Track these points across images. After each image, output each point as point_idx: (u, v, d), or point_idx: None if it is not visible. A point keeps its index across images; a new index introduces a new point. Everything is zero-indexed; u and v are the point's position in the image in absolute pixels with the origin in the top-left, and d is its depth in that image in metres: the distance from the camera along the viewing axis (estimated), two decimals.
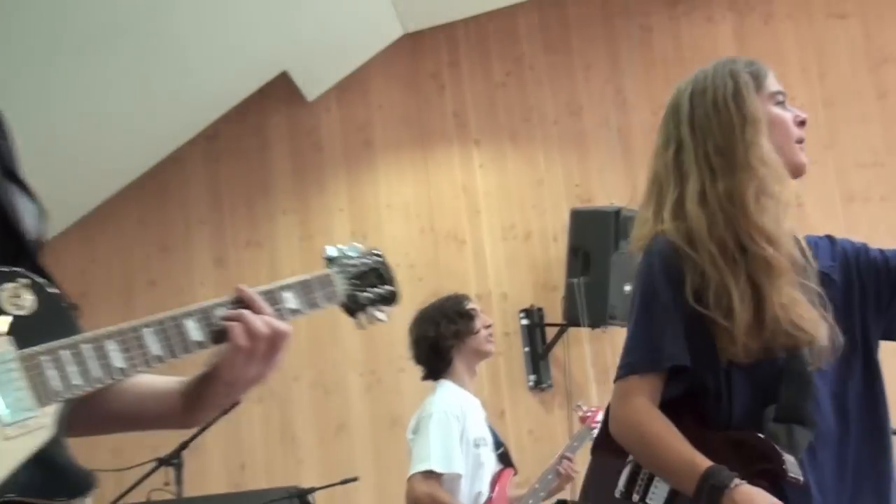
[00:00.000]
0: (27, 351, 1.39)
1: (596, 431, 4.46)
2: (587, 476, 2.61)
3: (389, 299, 1.91)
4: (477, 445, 4.47)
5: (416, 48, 7.37)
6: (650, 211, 2.44)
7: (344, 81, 7.31)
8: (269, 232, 7.18)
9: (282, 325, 1.68)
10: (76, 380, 1.44)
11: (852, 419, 2.35)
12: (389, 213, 7.20)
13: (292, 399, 6.90)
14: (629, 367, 2.34)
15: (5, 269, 1.43)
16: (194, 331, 1.61)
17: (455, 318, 4.55)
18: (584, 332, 6.80)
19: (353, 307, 1.86)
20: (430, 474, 4.26)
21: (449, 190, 7.24)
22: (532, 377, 6.84)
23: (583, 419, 4.98)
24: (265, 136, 7.30)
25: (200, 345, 1.62)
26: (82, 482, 1.42)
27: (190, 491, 6.04)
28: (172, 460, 4.85)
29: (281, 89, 7.18)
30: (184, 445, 4.83)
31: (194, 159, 7.21)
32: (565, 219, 6.81)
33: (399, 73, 7.36)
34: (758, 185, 2.29)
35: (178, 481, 4.90)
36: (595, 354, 6.87)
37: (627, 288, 6.47)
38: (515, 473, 4.63)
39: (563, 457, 4.67)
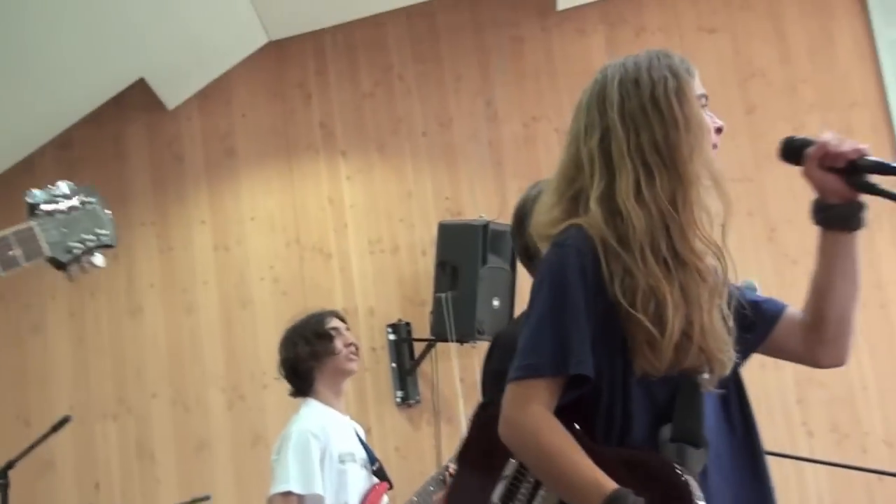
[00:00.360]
0: None
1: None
2: (456, 477, 2.69)
3: (106, 244, 1.86)
4: (342, 461, 4.67)
5: (281, 56, 7.52)
6: (564, 198, 2.41)
7: (206, 89, 7.42)
8: (127, 244, 7.09)
9: None
10: None
11: (733, 442, 2.42)
12: (253, 226, 7.33)
13: (150, 416, 7.00)
14: (531, 368, 2.28)
15: None
16: None
17: (312, 340, 4.79)
18: (452, 347, 6.97)
19: (62, 260, 1.84)
20: (288, 495, 4.51)
21: (315, 202, 7.40)
22: (399, 393, 7.06)
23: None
24: (122, 144, 7.36)
25: None
26: None
27: None
28: None
29: (139, 96, 7.26)
30: (10, 465, 5.02)
31: (45, 167, 7.20)
32: (434, 232, 7.03)
33: (264, 82, 7.51)
34: (697, 198, 2.31)
35: (5, 502, 5.01)
36: (463, 369, 7.07)
37: (496, 302, 6.84)
38: (391, 488, 4.85)
39: (447, 467, 4.88)
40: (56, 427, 5.32)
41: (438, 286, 6.93)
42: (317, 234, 7.39)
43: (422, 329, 7.12)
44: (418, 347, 7.15)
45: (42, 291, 7.06)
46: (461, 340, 6.91)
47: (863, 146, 2.33)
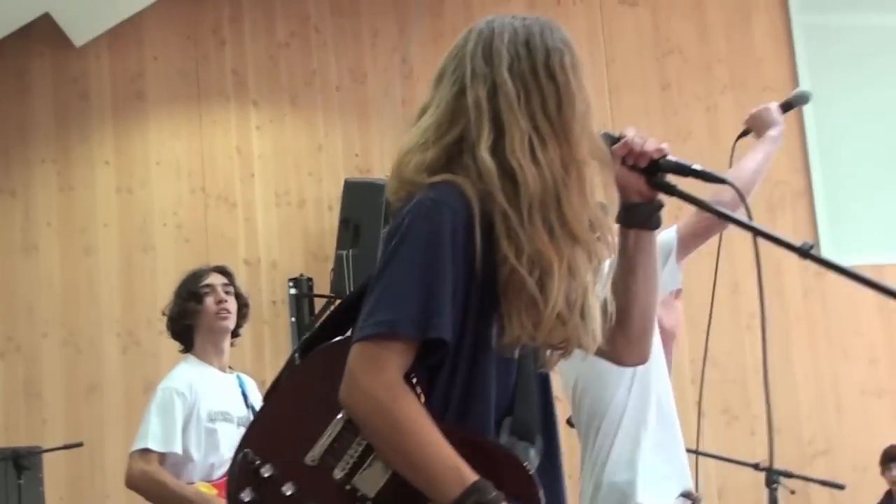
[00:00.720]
0: None
1: None
2: (265, 415, 2.45)
3: None
4: (212, 420, 4.69)
5: (196, 0, 7.53)
6: (442, 141, 2.25)
7: (117, 28, 7.37)
8: (25, 180, 7.21)
9: None
10: None
11: (552, 428, 2.41)
12: (159, 170, 7.35)
13: (40, 356, 7.01)
14: (389, 325, 2.10)
15: None
16: None
17: (186, 298, 4.82)
18: None
19: None
20: (146, 452, 4.53)
21: (223, 150, 7.45)
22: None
23: None
24: (26, 79, 7.32)
25: None
26: None
27: None
28: None
29: (45, 32, 7.23)
30: None
31: None
32: (340, 189, 7.11)
33: (178, 26, 7.48)
34: (590, 172, 2.25)
35: None
36: None
37: None
38: None
39: None
40: None
41: (340, 243, 7.06)
42: (223, 182, 7.44)
43: (323, 285, 7.23)
44: (319, 303, 7.26)
45: None
46: None
47: (664, 145, 2.30)
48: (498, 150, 2.17)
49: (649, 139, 2.30)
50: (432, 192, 2.16)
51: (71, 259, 7.26)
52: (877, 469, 7.07)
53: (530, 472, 2.16)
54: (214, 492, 4.58)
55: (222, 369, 4.83)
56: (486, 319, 2.15)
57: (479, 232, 2.12)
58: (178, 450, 4.53)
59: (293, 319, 7.30)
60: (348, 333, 2.25)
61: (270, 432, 2.31)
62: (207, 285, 4.81)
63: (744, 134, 3.81)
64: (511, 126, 2.18)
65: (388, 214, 2.68)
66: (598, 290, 2.27)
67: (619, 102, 7.78)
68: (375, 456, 2.18)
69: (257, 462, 2.24)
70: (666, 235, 3.64)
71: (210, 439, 4.63)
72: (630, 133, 2.31)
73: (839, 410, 7.78)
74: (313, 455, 2.20)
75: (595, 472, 3.60)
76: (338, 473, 2.18)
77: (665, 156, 2.29)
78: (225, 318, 4.78)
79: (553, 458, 2.33)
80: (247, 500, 2.24)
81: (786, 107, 3.84)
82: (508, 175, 2.15)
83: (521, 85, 2.20)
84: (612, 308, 2.37)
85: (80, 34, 7.28)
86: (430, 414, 2.12)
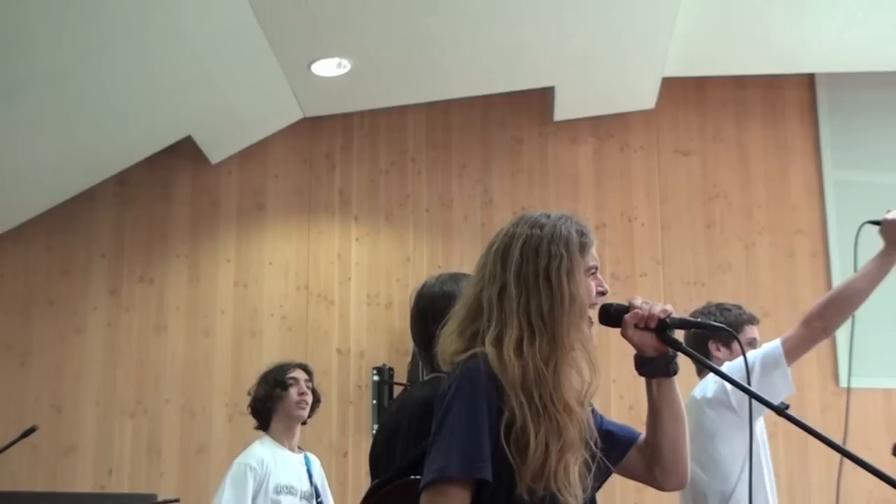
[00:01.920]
0: None
1: None
2: None
3: None
4: (278, 493, 5.00)
5: (314, 130, 8.10)
6: (466, 333, 2.50)
7: (247, 150, 7.99)
8: (162, 271, 7.75)
9: None
10: None
11: None
12: (271, 270, 7.86)
13: (162, 418, 7.49)
14: (441, 469, 2.30)
15: None
16: None
17: (272, 385, 5.20)
18: None
19: None
20: None
21: (326, 256, 7.93)
22: (376, 426, 7.39)
23: None
24: (170, 188, 7.90)
25: None
26: None
27: (61, 488, 7.08)
28: None
29: (188, 151, 7.82)
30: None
31: (104, 199, 7.79)
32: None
33: (297, 150, 8.08)
34: (570, 362, 2.43)
35: None
36: None
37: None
38: None
39: None
40: (24, 435, 5.44)
41: None
42: (324, 283, 7.91)
43: (401, 374, 7.61)
44: (397, 389, 7.58)
45: (87, 301, 7.66)
46: None
47: (668, 307, 2.49)
48: (498, 341, 2.41)
49: (655, 304, 2.49)
50: (470, 362, 2.40)
51: (193, 339, 7.70)
52: None
53: None
54: None
55: (292, 449, 5.19)
56: (508, 462, 2.33)
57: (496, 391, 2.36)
58: None
59: (374, 401, 7.63)
60: (393, 484, 2.61)
61: None
62: (293, 378, 5.23)
63: (873, 223, 3.80)
64: (508, 324, 2.41)
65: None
66: (581, 453, 2.39)
67: (669, 237, 8.21)
68: None
69: None
70: (770, 347, 3.89)
71: None
72: (637, 301, 2.51)
73: None
74: None
75: None
76: None
77: (669, 315, 2.48)
78: (303, 409, 5.21)
79: None
80: None
81: None
82: (502, 362, 2.37)
83: (524, 288, 2.42)
84: (617, 450, 2.59)
85: (215, 154, 7.91)
86: None
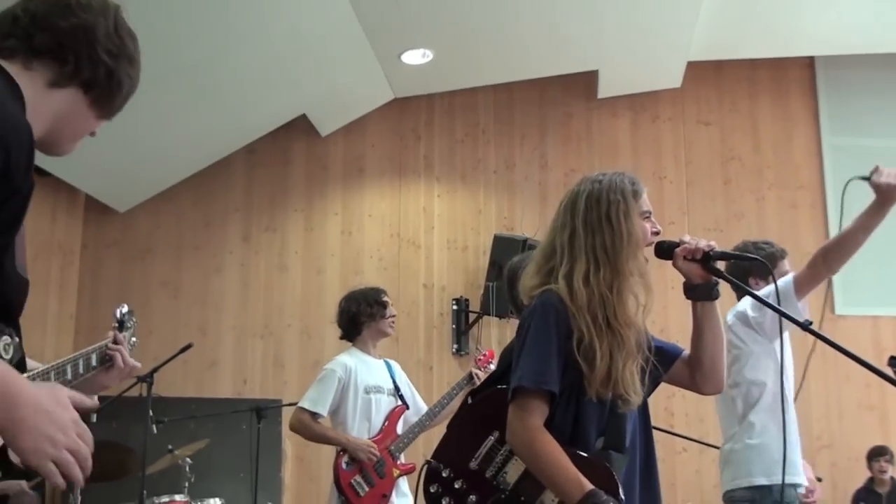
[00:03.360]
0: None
1: (477, 371, 5.20)
2: (446, 437, 2.70)
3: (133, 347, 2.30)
4: (367, 392, 4.94)
5: (403, 108, 8.33)
6: (542, 271, 2.56)
7: (349, 125, 8.25)
8: (283, 222, 8.02)
9: (134, 362, 2.18)
10: None
11: (637, 446, 2.57)
12: (370, 221, 8.12)
13: (284, 338, 7.80)
14: (518, 379, 2.38)
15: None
16: (94, 359, 2.10)
17: (372, 304, 5.06)
18: (493, 319, 7.80)
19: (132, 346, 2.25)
20: (302, 410, 4.90)
21: (414, 210, 8.19)
22: (455, 346, 7.87)
23: (477, 360, 5.44)
24: (289, 155, 8.18)
25: (95, 368, 2.08)
26: None
27: (206, 394, 7.32)
28: (146, 379, 5.33)
29: (303, 125, 8.08)
30: (155, 370, 5.40)
31: (237, 165, 8.09)
32: (491, 240, 7.79)
33: (389, 125, 8.30)
34: (629, 286, 2.47)
35: (149, 393, 5.32)
36: (499, 335, 7.83)
37: None
38: (407, 408, 5.11)
39: (470, 373, 5.18)
40: (182, 350, 5.45)
41: (489, 277, 7.70)
42: (412, 231, 8.17)
43: (475, 304, 7.93)
44: (471, 316, 7.93)
45: (224, 246, 8.00)
46: (499, 316, 7.68)
47: (713, 242, 2.54)
48: (569, 275, 2.48)
49: (700, 240, 2.53)
50: (542, 297, 2.51)
51: (308, 276, 7.96)
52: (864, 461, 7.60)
53: (613, 473, 2.42)
54: (374, 445, 4.85)
55: (376, 357, 5.12)
56: (578, 375, 2.43)
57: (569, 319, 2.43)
58: (324, 412, 4.88)
59: (453, 326, 7.93)
60: (486, 391, 2.68)
61: (448, 449, 2.65)
62: (386, 301, 5.15)
63: (864, 178, 3.63)
64: (578, 260, 2.48)
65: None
66: (638, 361, 2.45)
67: (693, 192, 8.40)
68: (513, 461, 2.52)
69: (440, 467, 2.61)
70: (784, 283, 3.77)
71: (365, 407, 4.93)
72: (686, 238, 2.55)
73: (840, 418, 8.04)
74: (474, 462, 2.57)
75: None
76: (489, 472, 2.54)
77: (713, 249, 2.53)
78: (392, 327, 5.15)
79: (649, 468, 2.58)
80: (432, 491, 2.60)
81: None
82: (573, 292, 2.46)
83: (589, 230, 2.49)
84: (665, 362, 2.63)
85: (324, 128, 8.20)
86: (556, 439, 2.40)
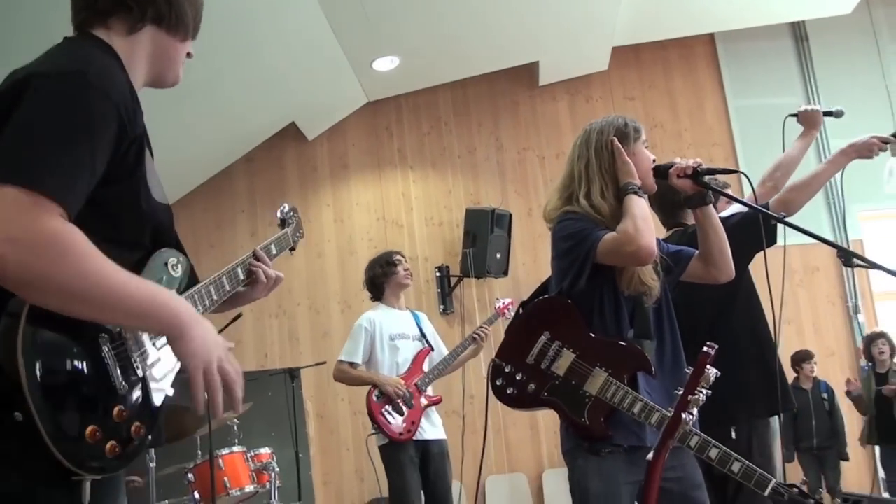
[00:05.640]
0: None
1: (504, 319, 5.17)
2: (505, 341, 2.66)
3: (301, 237, 2.27)
4: (393, 339, 4.90)
5: (376, 110, 8.17)
6: (564, 195, 2.60)
7: (332, 128, 8.08)
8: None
9: (277, 273, 2.05)
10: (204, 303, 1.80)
11: (664, 334, 2.58)
12: (358, 208, 8.01)
13: (297, 316, 7.70)
14: (558, 284, 2.54)
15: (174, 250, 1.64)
16: (241, 273, 1.99)
17: (385, 265, 5.06)
18: (472, 281, 7.82)
19: (293, 248, 2.22)
20: (340, 361, 4.89)
21: (394, 195, 8.09)
22: (441, 307, 7.82)
23: (498, 309, 5.44)
24: (283, 159, 8.01)
25: (242, 281, 1.98)
26: None
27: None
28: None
29: (292, 132, 7.91)
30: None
31: (239, 172, 7.93)
32: (463, 214, 7.83)
33: (366, 126, 8.15)
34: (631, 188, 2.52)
35: None
36: (479, 294, 7.87)
37: (498, 255, 7.53)
38: (432, 350, 5.06)
39: (480, 328, 5.12)
40: (233, 320, 4.88)
41: (465, 245, 7.74)
42: (395, 213, 8.06)
43: (454, 270, 7.90)
44: (453, 280, 7.88)
45: (235, 243, 7.66)
46: (477, 277, 7.72)
47: (699, 160, 2.58)
48: (588, 195, 2.55)
49: (688, 159, 2.57)
50: (560, 215, 2.59)
51: (311, 260, 7.81)
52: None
53: (645, 354, 2.48)
54: (402, 381, 4.84)
55: (400, 309, 5.10)
56: (609, 275, 2.51)
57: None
58: (359, 360, 4.85)
59: (438, 290, 7.87)
60: (535, 300, 2.67)
61: (508, 349, 2.62)
62: (399, 258, 5.13)
63: (793, 115, 3.67)
64: (593, 182, 2.54)
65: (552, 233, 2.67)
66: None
67: None
68: (562, 354, 2.52)
69: (502, 363, 2.61)
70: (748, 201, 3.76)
71: (393, 351, 4.91)
72: (677, 160, 2.60)
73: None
74: (530, 358, 2.57)
75: None
76: (544, 365, 2.55)
77: (700, 165, 2.57)
78: (409, 279, 5.11)
79: (676, 351, 2.57)
80: (498, 384, 2.60)
81: (826, 114, 3.69)
82: (593, 206, 2.53)
83: (598, 158, 2.56)
84: (681, 262, 2.65)
85: (311, 132, 8.02)
86: (599, 328, 2.49)
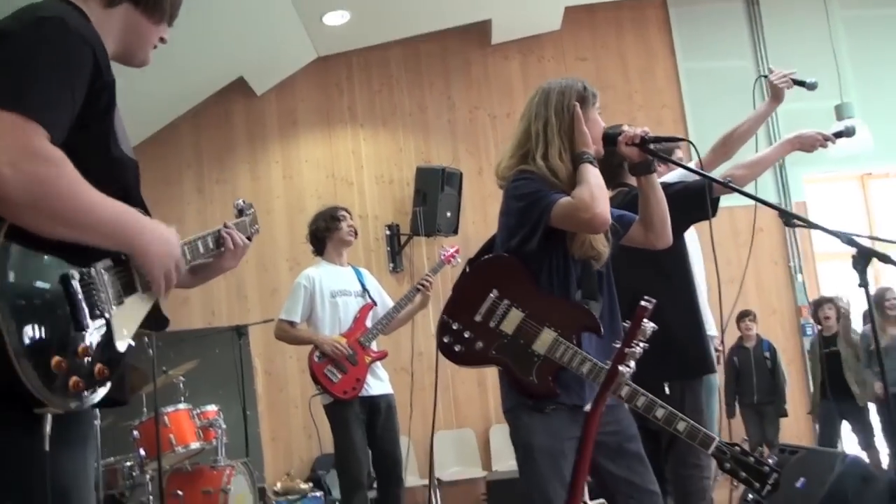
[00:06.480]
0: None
1: (451, 266, 5.13)
2: (452, 298, 2.63)
3: (257, 233, 2.33)
4: (333, 297, 4.80)
5: (327, 66, 8.10)
6: (518, 154, 2.59)
7: (281, 83, 8.00)
8: (232, 174, 7.83)
9: (245, 241, 2.11)
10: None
11: (603, 294, 2.62)
12: (307, 165, 7.98)
13: (244, 274, 7.64)
14: (503, 242, 2.56)
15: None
16: (211, 241, 2.01)
17: (329, 219, 4.91)
18: (422, 239, 7.82)
19: (250, 238, 2.20)
20: (281, 320, 4.79)
21: (344, 153, 8.06)
22: (391, 265, 7.85)
23: (444, 257, 5.30)
24: (229, 115, 7.92)
25: (211, 250, 2.00)
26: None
27: (183, 327, 7.01)
28: None
29: (240, 87, 7.85)
30: None
31: (185, 127, 7.81)
32: (414, 172, 7.82)
33: (316, 82, 8.08)
34: (585, 150, 2.53)
35: None
36: (428, 253, 7.86)
37: (448, 214, 7.55)
38: (375, 305, 4.94)
39: (424, 278, 5.00)
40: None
41: (415, 203, 7.72)
42: (344, 171, 8.04)
43: (405, 228, 7.88)
44: (402, 238, 7.87)
45: (182, 198, 7.68)
46: (427, 235, 7.72)
47: (647, 128, 2.60)
48: (545, 155, 2.54)
49: (637, 128, 2.61)
50: (519, 174, 2.57)
51: (259, 217, 7.09)
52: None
53: (592, 313, 2.52)
54: (342, 339, 4.74)
55: (342, 265, 4.96)
56: (561, 238, 2.52)
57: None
58: (297, 319, 4.75)
59: (388, 248, 7.87)
60: (483, 258, 2.66)
61: (456, 305, 2.60)
62: (343, 214, 4.97)
63: (763, 76, 3.71)
64: (552, 143, 2.54)
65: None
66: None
67: None
68: (510, 312, 2.52)
69: (449, 321, 2.59)
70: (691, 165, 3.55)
71: (334, 308, 4.80)
72: (625, 127, 2.62)
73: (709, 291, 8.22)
74: (478, 315, 2.57)
75: None
76: (492, 324, 2.54)
77: (647, 134, 2.60)
78: (352, 236, 4.96)
79: (613, 310, 2.62)
80: (446, 341, 2.58)
81: (798, 83, 3.60)
82: (550, 168, 2.53)
83: (557, 119, 2.55)
84: (623, 226, 2.67)
85: (259, 88, 7.94)
86: (548, 287, 2.50)
